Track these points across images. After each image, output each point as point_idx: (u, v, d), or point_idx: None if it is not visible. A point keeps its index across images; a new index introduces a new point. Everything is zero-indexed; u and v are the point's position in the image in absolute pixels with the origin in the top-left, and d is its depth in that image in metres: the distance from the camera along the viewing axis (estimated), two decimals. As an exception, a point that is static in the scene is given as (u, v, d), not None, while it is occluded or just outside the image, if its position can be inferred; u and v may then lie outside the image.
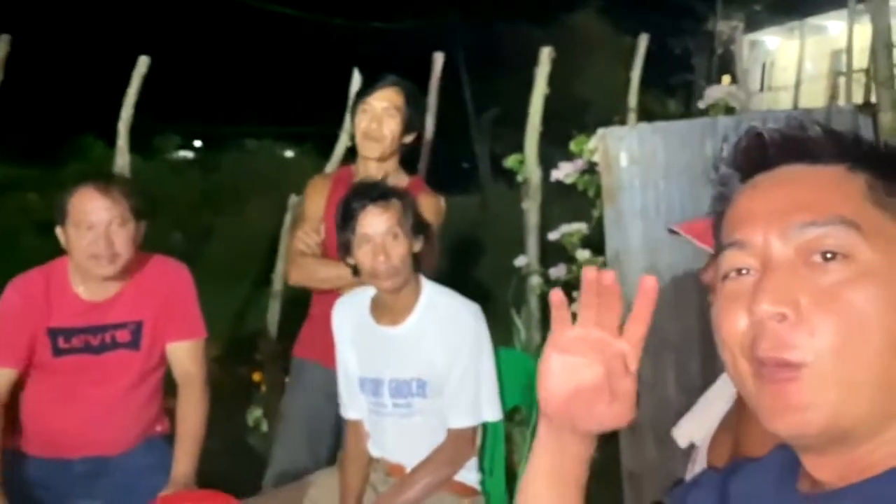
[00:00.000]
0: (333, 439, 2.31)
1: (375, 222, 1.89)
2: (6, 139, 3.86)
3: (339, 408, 2.15)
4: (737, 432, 1.20)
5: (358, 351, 2.04)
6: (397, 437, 2.00)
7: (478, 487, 2.05)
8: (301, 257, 2.33)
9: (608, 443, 2.86)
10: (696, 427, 1.34)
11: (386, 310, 1.99)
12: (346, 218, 1.92)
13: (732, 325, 0.69)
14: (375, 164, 2.30)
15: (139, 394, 2.15)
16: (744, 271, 0.70)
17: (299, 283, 2.37)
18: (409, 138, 2.35)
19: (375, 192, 1.93)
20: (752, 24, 15.44)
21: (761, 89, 18.83)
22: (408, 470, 1.99)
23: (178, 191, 6.98)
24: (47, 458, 2.08)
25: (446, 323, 1.95)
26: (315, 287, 2.35)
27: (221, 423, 3.11)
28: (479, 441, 2.05)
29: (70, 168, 5.52)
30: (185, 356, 2.16)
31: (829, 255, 0.65)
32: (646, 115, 3.89)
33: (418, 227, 1.96)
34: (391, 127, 2.27)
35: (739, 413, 1.21)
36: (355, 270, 1.98)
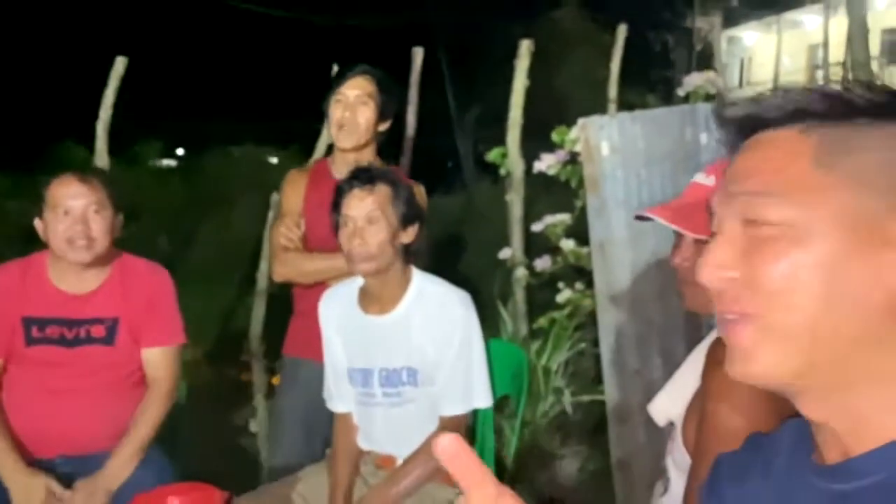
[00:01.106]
0: (329, 429, 2.30)
1: (357, 205, 1.90)
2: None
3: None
4: (700, 408, 1.19)
5: (346, 342, 2.03)
6: (387, 428, 1.99)
7: None
8: (284, 252, 2.31)
9: (596, 432, 2.87)
10: (672, 403, 1.33)
11: (374, 299, 1.98)
12: (336, 199, 1.94)
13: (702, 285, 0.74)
14: (352, 155, 2.29)
15: (116, 391, 2.12)
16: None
17: (285, 279, 2.35)
18: (383, 126, 2.35)
19: (365, 176, 1.93)
20: (730, 20, 15.56)
21: (740, 85, 18.97)
22: (399, 461, 1.98)
23: (162, 197, 6.94)
24: (30, 459, 2.06)
25: (436, 311, 1.94)
26: (301, 281, 2.33)
27: (211, 424, 3.10)
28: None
29: (50, 175, 5.45)
30: (158, 361, 2.15)
31: (768, 222, 0.69)
32: (627, 109, 3.91)
33: (410, 216, 1.95)
34: (365, 115, 2.27)
35: (703, 387, 1.21)
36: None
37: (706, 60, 3.84)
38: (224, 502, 1.37)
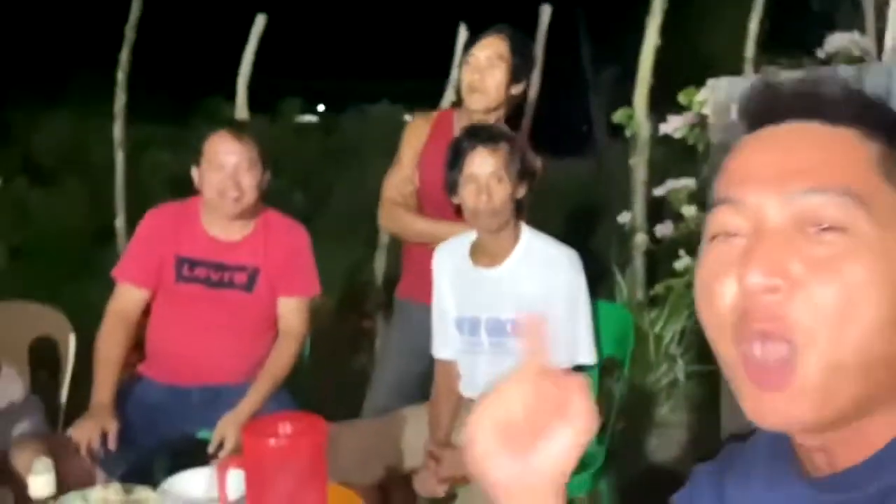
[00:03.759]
0: (426, 378, 2.39)
1: (483, 163, 1.96)
2: (141, 99, 4.14)
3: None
4: None
5: (456, 292, 2.11)
6: (491, 376, 2.04)
7: None
8: (393, 205, 2.36)
9: (708, 403, 2.81)
10: None
11: (485, 252, 2.06)
12: (455, 157, 2.00)
13: (719, 297, 0.64)
14: (480, 117, 2.27)
15: (250, 333, 2.29)
16: (734, 235, 0.65)
17: (388, 230, 2.44)
18: (517, 89, 2.30)
19: (486, 134, 2.00)
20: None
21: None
22: None
23: (301, 152, 7.22)
24: (168, 385, 2.27)
25: (544, 266, 2.00)
26: (401, 237, 2.40)
27: (333, 368, 3.27)
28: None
29: (199, 128, 5.81)
30: (292, 311, 2.30)
31: (826, 226, 0.60)
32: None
33: (524, 173, 2.02)
34: (496, 77, 2.23)
35: None
36: (458, 211, 2.04)
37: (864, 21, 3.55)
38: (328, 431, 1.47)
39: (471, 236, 2.11)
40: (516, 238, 2.04)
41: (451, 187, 2.02)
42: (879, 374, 0.60)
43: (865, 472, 0.63)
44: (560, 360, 1.98)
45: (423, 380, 2.33)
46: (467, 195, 1.98)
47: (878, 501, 0.61)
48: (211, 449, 2.06)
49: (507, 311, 2.01)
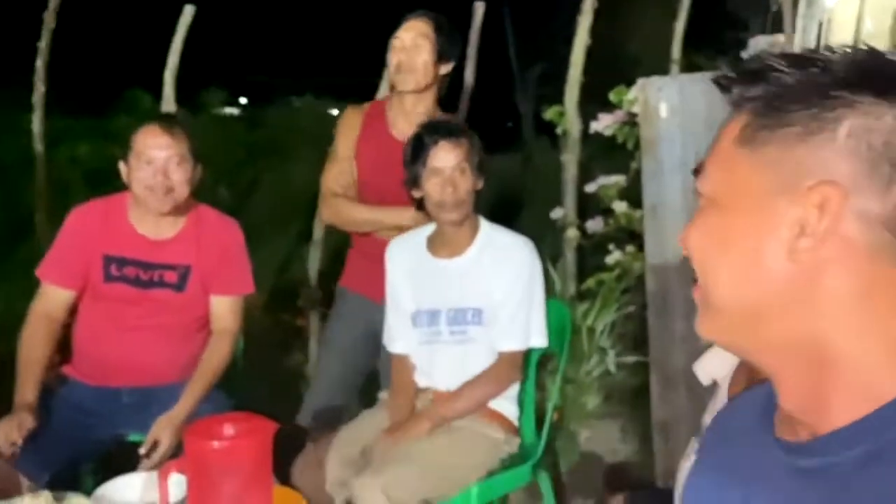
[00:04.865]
0: (370, 377, 2.40)
1: (447, 157, 2.02)
2: (58, 91, 3.97)
3: (375, 342, 2.24)
4: (751, 371, 1.22)
5: (414, 285, 2.14)
6: (450, 365, 2.10)
7: (516, 423, 2.13)
8: (333, 197, 2.37)
9: (638, 394, 2.89)
10: (719, 364, 1.36)
11: (445, 244, 2.11)
12: (416, 151, 2.04)
13: None
14: (412, 98, 2.31)
15: (181, 333, 2.24)
16: None
17: (330, 223, 2.43)
18: (444, 69, 2.34)
19: (447, 129, 2.06)
20: (810, -20, 14.87)
21: (817, 48, 18.19)
22: None
23: (224, 145, 7.07)
24: (96, 386, 2.20)
25: (503, 254, 2.08)
26: (345, 229, 2.40)
27: (266, 368, 3.22)
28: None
29: (119, 120, 5.63)
30: (226, 310, 2.26)
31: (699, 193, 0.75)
32: (696, 71, 3.82)
33: (481, 165, 2.09)
34: (423, 56, 2.27)
35: None
36: (419, 204, 2.08)
37: (783, 23, 3.70)
38: (274, 432, 1.46)
39: (424, 230, 2.16)
40: (476, 229, 2.11)
41: (413, 181, 2.05)
42: (749, 315, 0.70)
43: (838, 440, 0.66)
44: (515, 343, 2.06)
45: (366, 378, 2.34)
46: (432, 188, 2.02)
47: (850, 468, 0.65)
48: (143, 450, 2.00)
49: (468, 301, 2.06)
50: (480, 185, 2.09)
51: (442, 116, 2.28)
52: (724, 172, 0.71)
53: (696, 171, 0.78)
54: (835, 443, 0.66)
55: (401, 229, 2.25)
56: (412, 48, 2.28)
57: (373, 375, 2.46)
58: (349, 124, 2.42)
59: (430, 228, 2.15)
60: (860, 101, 0.64)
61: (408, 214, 2.21)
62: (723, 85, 0.72)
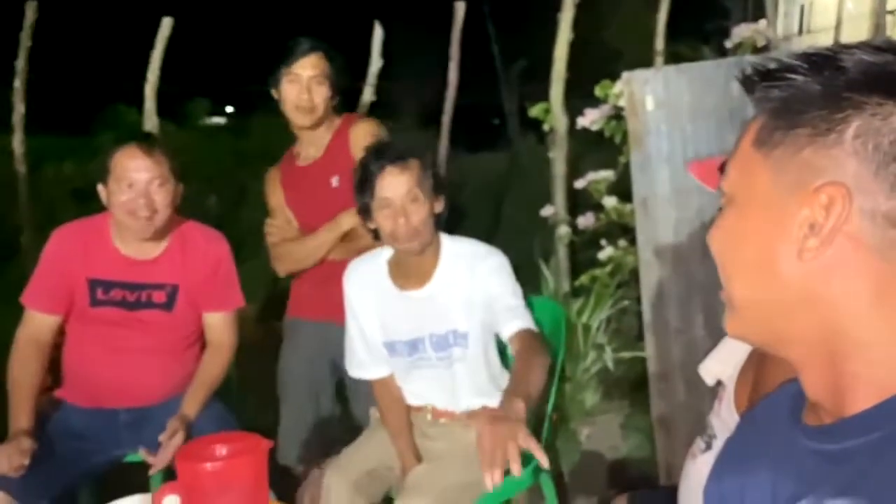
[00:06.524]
0: (333, 394, 2.43)
1: (394, 184, 1.84)
2: (40, 110, 3.93)
3: (333, 363, 2.27)
4: (757, 370, 1.20)
5: (382, 317, 2.03)
6: (440, 385, 2.03)
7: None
8: (277, 247, 2.38)
9: (637, 389, 2.88)
10: (723, 365, 1.34)
11: (409, 275, 1.98)
12: (363, 181, 1.88)
13: None
14: (309, 133, 2.34)
15: (172, 351, 2.22)
16: None
17: (288, 272, 2.42)
18: (334, 101, 2.36)
19: (393, 153, 1.87)
20: (790, -36, 14.91)
21: (800, 32, 18.26)
22: (456, 413, 2.02)
23: (212, 155, 7.04)
24: (92, 408, 2.16)
25: (468, 266, 1.95)
26: (302, 267, 2.38)
27: (259, 377, 3.19)
28: None
29: (103, 136, 5.60)
30: (220, 326, 2.24)
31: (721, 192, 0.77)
32: (679, 61, 3.83)
33: (438, 186, 1.93)
34: (322, 94, 2.29)
35: (762, 351, 1.21)
36: (375, 234, 1.95)
37: (764, 9, 3.70)
38: (268, 450, 1.43)
39: (381, 254, 2.02)
40: (438, 252, 1.97)
41: (364, 212, 1.91)
42: (770, 312, 0.73)
43: (860, 424, 0.68)
44: (525, 323, 1.91)
45: (331, 390, 2.35)
46: (383, 220, 1.87)
47: (871, 452, 0.66)
48: (164, 438, 2.00)
49: (445, 325, 1.96)
50: (440, 207, 1.92)
51: (386, 137, 2.19)
52: (741, 173, 0.73)
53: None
54: (852, 428, 0.69)
55: (351, 238, 2.24)
56: (311, 86, 2.27)
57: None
58: (272, 180, 2.46)
59: (387, 253, 2.01)
60: (868, 103, 0.65)
61: (347, 219, 2.21)
62: (747, 86, 0.74)
